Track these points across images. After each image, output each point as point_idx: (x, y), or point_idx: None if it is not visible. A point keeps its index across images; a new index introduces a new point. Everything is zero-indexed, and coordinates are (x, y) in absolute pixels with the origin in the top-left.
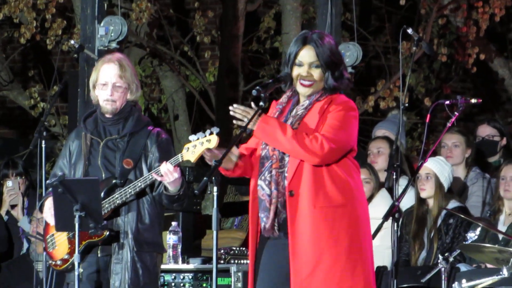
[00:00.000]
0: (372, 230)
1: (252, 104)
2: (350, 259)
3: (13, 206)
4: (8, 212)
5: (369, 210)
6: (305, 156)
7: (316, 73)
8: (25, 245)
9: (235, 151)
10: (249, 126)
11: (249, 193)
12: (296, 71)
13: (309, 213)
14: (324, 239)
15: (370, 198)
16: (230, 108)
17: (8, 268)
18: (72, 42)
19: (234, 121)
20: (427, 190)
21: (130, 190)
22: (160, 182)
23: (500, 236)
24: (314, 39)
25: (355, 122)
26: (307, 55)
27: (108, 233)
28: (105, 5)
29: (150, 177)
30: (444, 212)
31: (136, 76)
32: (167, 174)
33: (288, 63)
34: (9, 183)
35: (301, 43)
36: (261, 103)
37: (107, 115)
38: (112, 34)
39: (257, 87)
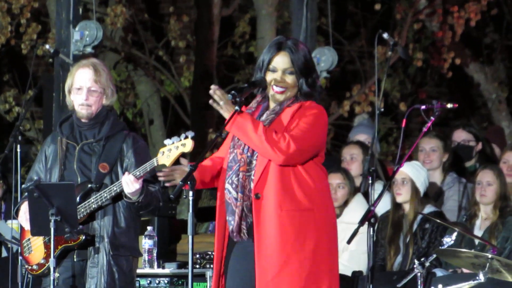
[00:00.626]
0: (348, 235)
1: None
2: (316, 263)
3: None
4: None
5: (345, 215)
6: (271, 153)
7: (290, 79)
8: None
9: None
10: (222, 112)
11: (217, 197)
12: (270, 76)
13: (276, 216)
14: (290, 242)
15: (345, 203)
16: (211, 89)
17: None
18: (47, 46)
19: (210, 102)
20: (403, 195)
21: (105, 195)
22: None
23: (476, 241)
24: (289, 46)
25: (323, 127)
26: (281, 61)
27: (84, 237)
28: (80, 9)
29: None
30: (420, 217)
31: (112, 81)
32: (128, 184)
33: (262, 69)
34: None
35: (276, 49)
36: (236, 107)
37: (83, 120)
38: (87, 39)
39: (233, 92)
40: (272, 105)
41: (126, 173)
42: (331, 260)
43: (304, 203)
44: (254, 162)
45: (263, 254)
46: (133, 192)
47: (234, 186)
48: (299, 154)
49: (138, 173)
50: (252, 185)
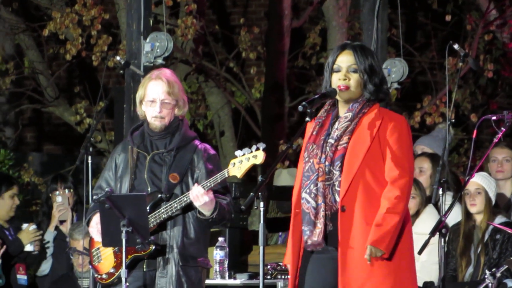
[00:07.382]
0: (419, 246)
1: None
2: (400, 277)
3: (61, 222)
4: (57, 227)
5: (416, 226)
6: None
7: (354, 77)
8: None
9: None
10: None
11: (291, 207)
12: (335, 77)
13: (362, 230)
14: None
15: (416, 214)
16: None
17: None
18: (118, 58)
19: None
20: (478, 205)
21: (176, 205)
22: None
23: None
24: (353, 45)
25: (411, 139)
26: (345, 59)
27: (154, 247)
28: (151, 21)
29: None
30: (490, 227)
31: (183, 92)
32: (198, 197)
33: (328, 71)
34: (58, 199)
35: (340, 49)
36: (307, 119)
37: (155, 130)
38: (158, 50)
39: (303, 103)
40: (342, 111)
41: (195, 184)
42: (413, 271)
43: None
44: (334, 171)
45: (348, 267)
46: (204, 206)
47: (312, 195)
48: (410, 184)
49: (208, 185)
50: (337, 196)
